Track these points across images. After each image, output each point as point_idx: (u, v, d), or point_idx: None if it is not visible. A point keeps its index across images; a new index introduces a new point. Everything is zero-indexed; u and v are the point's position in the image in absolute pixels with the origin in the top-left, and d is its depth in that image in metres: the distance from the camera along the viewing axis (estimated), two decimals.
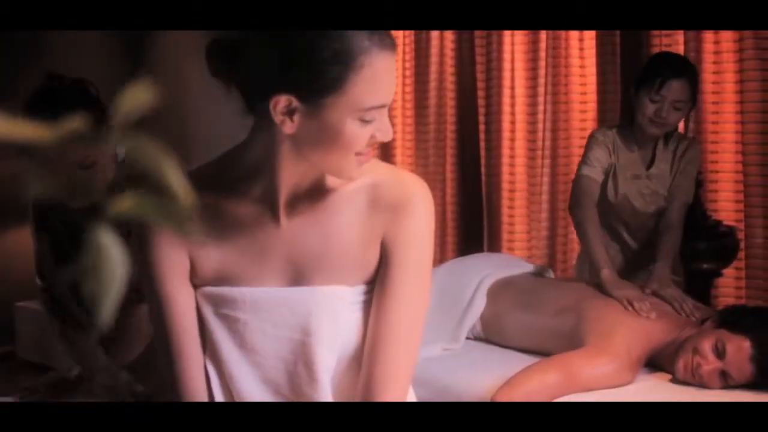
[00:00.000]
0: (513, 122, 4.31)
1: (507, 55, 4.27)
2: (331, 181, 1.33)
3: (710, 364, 2.39)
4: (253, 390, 1.35)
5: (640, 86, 2.97)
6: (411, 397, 1.47)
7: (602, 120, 4.01)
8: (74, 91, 2.12)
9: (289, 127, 1.21)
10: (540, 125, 4.22)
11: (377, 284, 1.34)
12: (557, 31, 4.10)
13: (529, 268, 3.15)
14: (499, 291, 2.92)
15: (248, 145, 1.31)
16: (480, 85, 4.44)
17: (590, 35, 4.06)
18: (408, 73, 4.64)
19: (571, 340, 2.59)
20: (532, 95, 4.25)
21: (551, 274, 3.18)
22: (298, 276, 1.33)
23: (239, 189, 1.32)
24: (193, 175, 1.38)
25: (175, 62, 5.18)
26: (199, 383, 1.36)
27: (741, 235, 3.44)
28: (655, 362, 2.60)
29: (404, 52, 4.59)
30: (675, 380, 2.49)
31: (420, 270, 1.35)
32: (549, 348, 2.65)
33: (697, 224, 3.22)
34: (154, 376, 2.33)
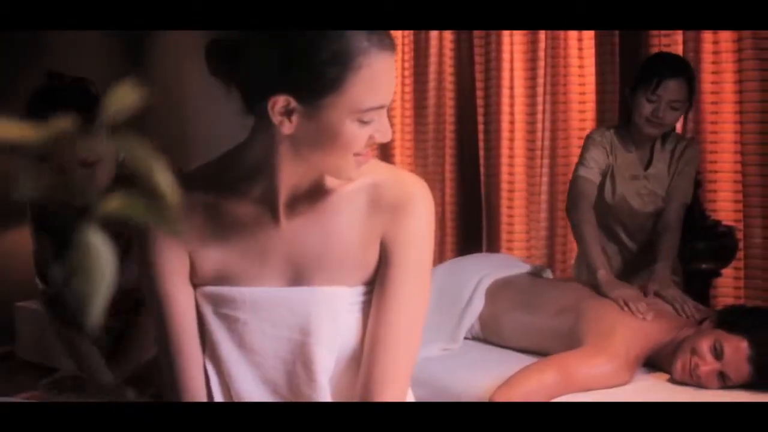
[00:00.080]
0: (512, 122, 4.32)
1: (506, 55, 4.28)
2: (330, 181, 1.33)
3: (708, 364, 2.40)
4: (251, 390, 1.35)
5: (636, 86, 2.97)
6: (409, 397, 1.47)
7: (601, 120, 4.01)
8: (74, 90, 2.12)
9: (287, 128, 1.21)
10: (539, 125, 4.22)
11: (377, 284, 1.34)
12: (556, 31, 4.10)
13: (527, 268, 3.15)
14: (498, 291, 2.93)
15: (248, 145, 1.31)
16: (479, 85, 4.45)
17: (589, 35, 4.06)
18: (407, 73, 4.65)
19: (570, 340, 2.59)
20: (531, 95, 4.25)
21: (550, 274, 3.18)
22: (297, 276, 1.33)
23: (239, 189, 1.32)
24: (193, 174, 1.39)
25: (175, 62, 5.18)
26: (198, 382, 1.36)
27: (740, 235, 3.44)
28: (654, 362, 2.60)
29: (403, 52, 4.60)
30: (673, 380, 2.49)
31: (420, 270, 1.35)
32: (547, 348, 2.65)
33: (696, 224, 3.22)
34: (152, 387, 2.33)
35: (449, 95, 4.55)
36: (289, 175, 1.29)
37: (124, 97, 0.52)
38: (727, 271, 3.45)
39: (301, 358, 1.33)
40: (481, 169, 4.46)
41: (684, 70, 2.97)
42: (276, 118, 1.21)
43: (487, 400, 2.37)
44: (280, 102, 1.19)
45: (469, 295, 2.92)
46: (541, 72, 4.19)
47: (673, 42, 3.71)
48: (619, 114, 3.89)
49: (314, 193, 1.33)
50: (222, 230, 1.32)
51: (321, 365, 1.33)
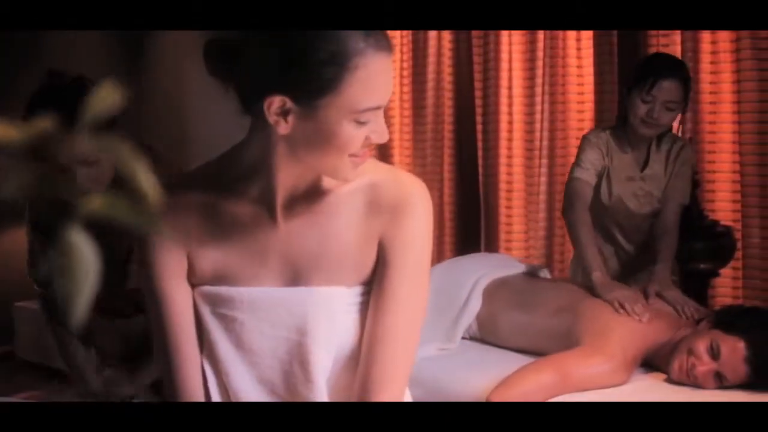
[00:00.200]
0: (510, 122, 4.32)
1: (504, 55, 4.28)
2: (328, 181, 1.33)
3: (705, 365, 2.40)
4: (249, 389, 1.35)
5: (632, 87, 2.97)
6: (407, 397, 1.47)
7: (599, 120, 4.01)
8: (75, 88, 2.13)
9: (283, 128, 1.21)
10: (537, 125, 4.22)
11: (375, 285, 1.34)
12: (554, 31, 4.10)
13: (525, 268, 3.15)
14: (495, 291, 2.93)
15: (245, 145, 1.31)
16: (477, 85, 4.45)
17: (587, 35, 4.06)
18: (405, 73, 4.65)
19: (567, 340, 2.59)
20: (530, 95, 4.26)
21: (547, 274, 3.18)
22: (295, 276, 1.33)
23: (237, 189, 1.32)
24: (191, 175, 1.39)
25: (175, 62, 5.18)
26: (195, 382, 1.36)
27: (738, 235, 3.45)
28: (651, 362, 2.60)
29: (402, 52, 4.60)
30: (670, 380, 2.49)
31: (418, 271, 1.35)
32: (545, 348, 2.65)
33: (694, 224, 3.22)
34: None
35: (448, 95, 4.55)
36: (287, 176, 1.29)
37: (105, 98, 0.52)
38: (726, 271, 3.45)
39: (298, 358, 1.33)
40: (480, 169, 4.46)
41: (679, 70, 2.96)
42: (272, 118, 1.20)
43: (484, 400, 2.38)
44: (276, 102, 1.19)
45: (467, 295, 2.92)
46: (539, 72, 4.20)
47: (672, 42, 3.71)
48: (618, 114, 3.89)
49: (312, 194, 1.33)
50: (220, 230, 1.32)
51: (318, 365, 1.33)
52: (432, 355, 2.77)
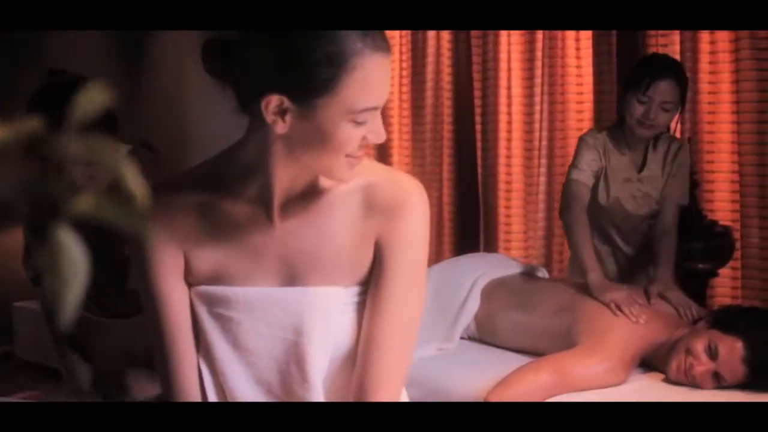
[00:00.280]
0: (509, 122, 4.32)
1: (503, 55, 4.28)
2: (325, 182, 1.33)
3: (703, 364, 2.40)
4: (245, 389, 1.36)
5: (628, 88, 2.97)
6: (404, 398, 1.47)
7: (598, 120, 4.01)
8: (75, 87, 2.13)
9: (280, 127, 1.21)
10: (536, 125, 4.22)
11: (372, 285, 1.34)
12: (554, 31, 4.10)
13: (523, 268, 3.15)
14: (494, 291, 2.93)
15: (243, 144, 1.31)
16: (477, 85, 4.45)
17: (587, 35, 4.06)
18: (405, 73, 4.65)
19: (565, 340, 2.59)
20: (529, 95, 4.25)
21: (546, 274, 3.18)
22: (291, 276, 1.33)
23: (234, 189, 1.32)
24: (188, 174, 1.39)
25: (175, 62, 5.18)
26: (192, 382, 1.36)
27: (737, 235, 3.45)
28: (649, 362, 2.61)
29: (401, 52, 4.60)
30: (668, 380, 2.50)
31: (415, 271, 1.35)
32: (543, 348, 2.65)
33: (693, 224, 3.22)
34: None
35: (447, 95, 4.55)
36: (284, 176, 1.29)
37: (92, 98, 0.52)
38: (724, 271, 3.46)
39: (294, 358, 1.33)
40: (479, 169, 4.46)
41: (674, 70, 2.96)
42: (269, 118, 1.20)
43: (482, 400, 2.38)
44: (273, 101, 1.19)
45: (465, 295, 2.92)
46: (538, 72, 4.20)
47: (671, 42, 3.71)
48: (617, 114, 3.89)
49: (309, 194, 1.33)
50: (217, 230, 1.32)
51: (314, 365, 1.33)
52: (430, 355, 2.77)
